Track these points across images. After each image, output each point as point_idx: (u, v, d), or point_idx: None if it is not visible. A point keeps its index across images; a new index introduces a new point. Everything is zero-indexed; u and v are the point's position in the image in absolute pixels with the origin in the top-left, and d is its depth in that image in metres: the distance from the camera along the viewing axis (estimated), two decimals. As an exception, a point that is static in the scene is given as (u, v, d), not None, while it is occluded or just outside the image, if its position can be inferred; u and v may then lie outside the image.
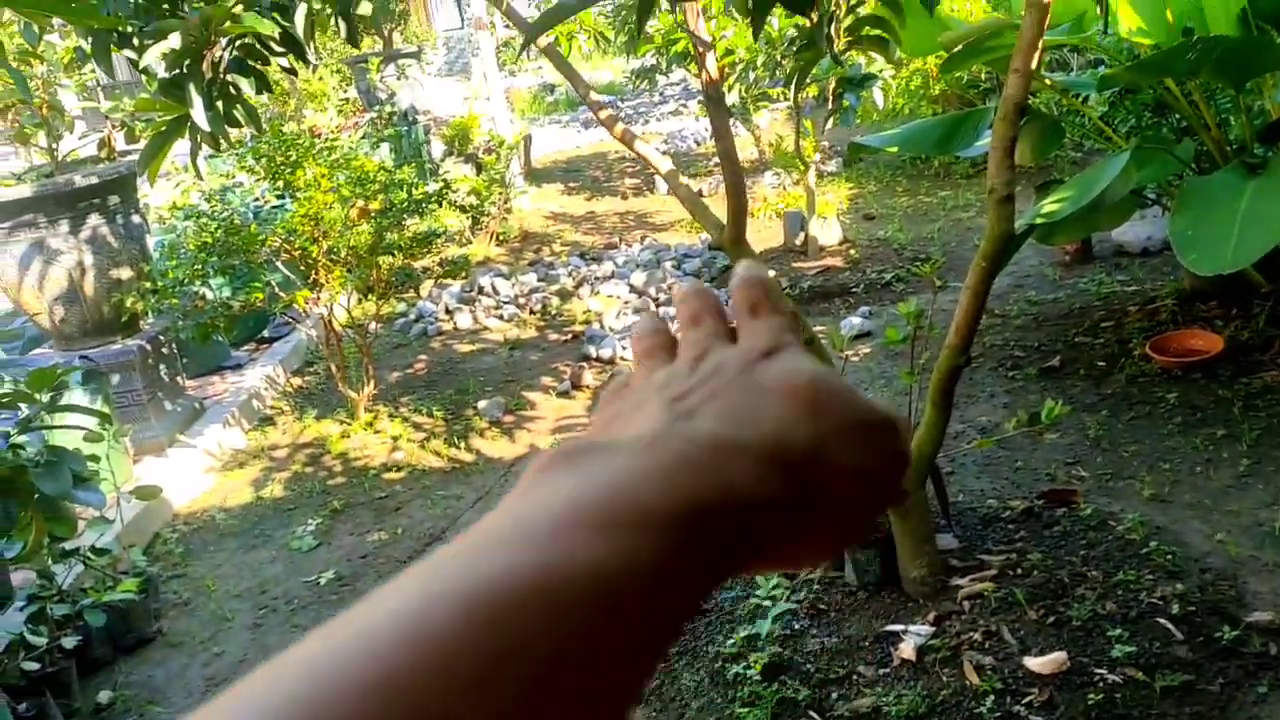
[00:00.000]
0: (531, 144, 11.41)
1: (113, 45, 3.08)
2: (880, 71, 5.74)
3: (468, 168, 9.76)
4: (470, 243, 8.19)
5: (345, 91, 12.45)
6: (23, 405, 2.69)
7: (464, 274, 5.94)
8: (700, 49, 2.71)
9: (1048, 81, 4.57)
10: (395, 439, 4.92)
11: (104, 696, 3.29)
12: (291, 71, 3.32)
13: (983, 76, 7.37)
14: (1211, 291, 4.68)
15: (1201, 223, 3.68)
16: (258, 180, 5.89)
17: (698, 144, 11.41)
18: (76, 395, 4.27)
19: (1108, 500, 3.45)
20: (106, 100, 5.10)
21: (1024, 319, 5.14)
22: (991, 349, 4.84)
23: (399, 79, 10.76)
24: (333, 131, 6.45)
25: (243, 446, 5.12)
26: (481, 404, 5.10)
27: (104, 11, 2.91)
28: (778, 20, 6.15)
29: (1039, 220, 4.12)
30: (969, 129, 4.51)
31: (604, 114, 3.18)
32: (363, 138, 9.00)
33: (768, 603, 3.01)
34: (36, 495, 2.56)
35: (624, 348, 5.56)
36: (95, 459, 3.87)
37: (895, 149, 4.76)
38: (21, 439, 2.56)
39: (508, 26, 19.41)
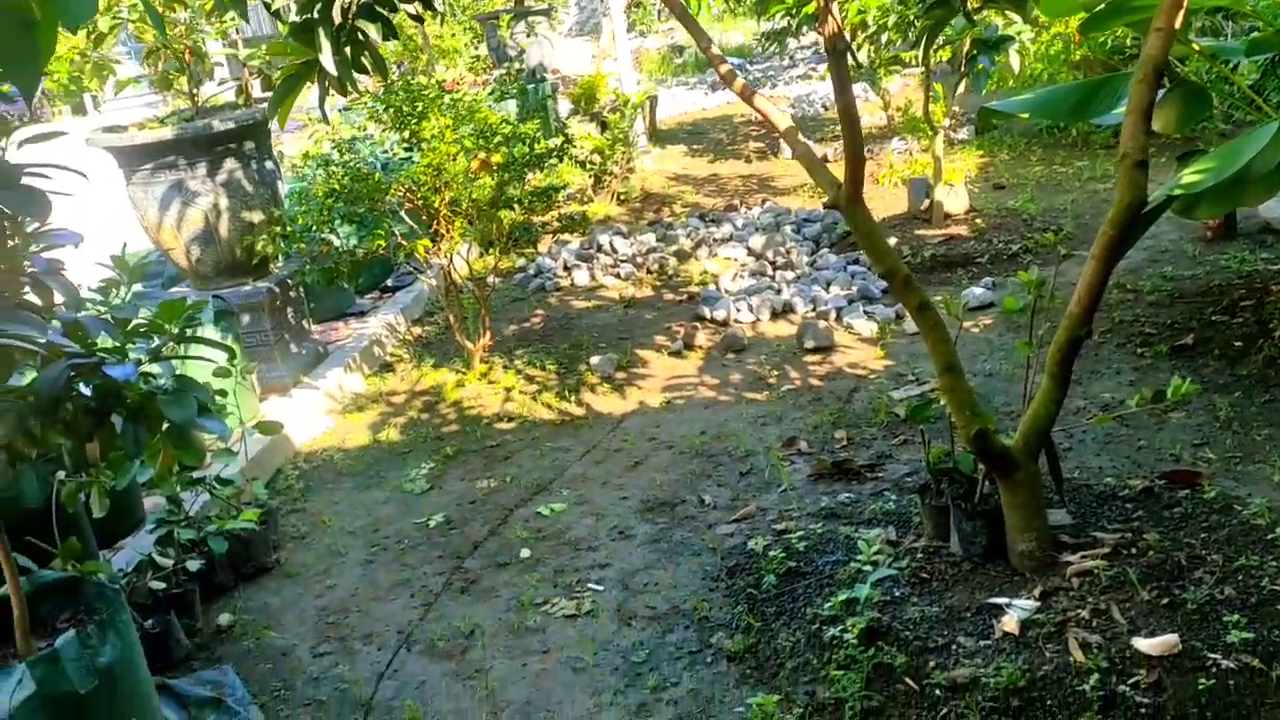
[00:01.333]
0: (657, 105, 11.38)
1: (249, -9, 3.19)
2: (1018, 34, 5.54)
3: (592, 126, 9.78)
4: (591, 201, 8.24)
5: (476, 48, 12.61)
6: (156, 336, 2.81)
7: (583, 230, 5.99)
8: (826, 2, 2.66)
9: (1195, 46, 4.35)
10: (508, 390, 5.00)
11: (224, 619, 3.45)
12: (418, 19, 3.37)
13: (1129, 42, 7.05)
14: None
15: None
16: (385, 131, 6.02)
17: (825, 108, 11.23)
18: (208, 331, 4.45)
19: (1234, 484, 3.31)
20: (245, 48, 5.26)
21: (1157, 295, 4.93)
22: (1120, 325, 4.67)
23: (529, 36, 10.82)
24: (459, 83, 6.52)
25: (362, 391, 5.27)
26: (594, 360, 5.14)
27: (241, -43, 2.99)
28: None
29: (1178, 191, 3.94)
30: (1108, 95, 4.31)
31: (724, 68, 3.14)
32: (491, 92, 9.10)
33: (868, 568, 2.98)
34: (165, 424, 2.68)
35: (738, 310, 5.53)
36: (223, 393, 4.03)
37: (1027, 115, 4.59)
38: (152, 368, 2.67)
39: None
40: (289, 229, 4.83)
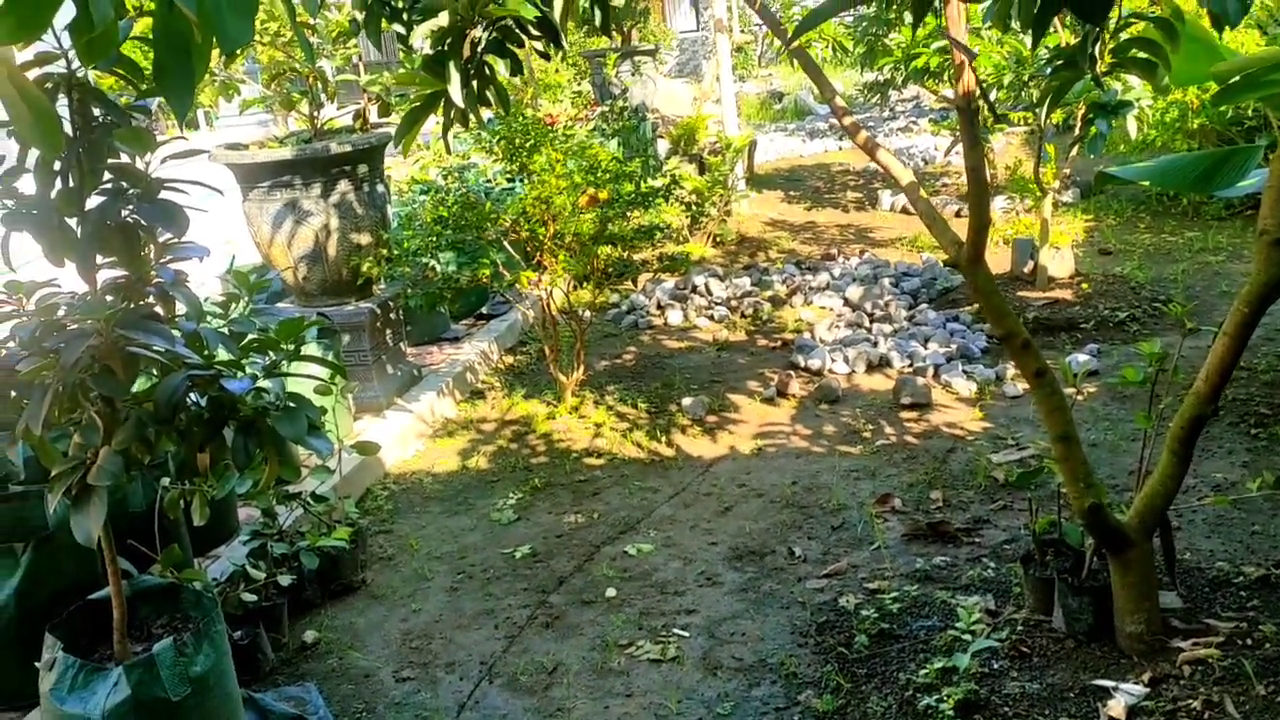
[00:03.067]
0: (755, 149, 11.39)
1: (384, 20, 3.25)
2: (1137, 99, 5.43)
3: (691, 167, 9.83)
4: (687, 241, 8.24)
5: (578, 84, 12.77)
6: (270, 352, 2.86)
7: (682, 270, 5.98)
8: (961, 59, 2.62)
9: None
10: (598, 426, 4.99)
11: (309, 636, 3.47)
12: (545, 56, 3.41)
13: (1249, 113, 6.88)
14: None
15: None
16: (493, 161, 6.10)
17: (925, 162, 11.13)
18: (313, 349, 4.53)
19: (1358, 580, 3.15)
20: (366, 74, 5.38)
21: (1273, 374, 4.76)
22: (1234, 402, 4.51)
23: (633, 75, 10.93)
24: (571, 119, 6.60)
25: (453, 416, 5.31)
26: (685, 401, 5.12)
27: (380, -13, 3.06)
28: (1029, 39, 5.91)
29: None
30: (1234, 168, 4.19)
31: (848, 120, 3.12)
32: (594, 129, 9.20)
33: (966, 636, 2.90)
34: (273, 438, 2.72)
35: (833, 360, 5.47)
36: (323, 411, 4.09)
37: (1148, 183, 4.49)
38: (265, 383, 2.71)
39: (744, 31, 19.50)
40: (395, 252, 4.90)
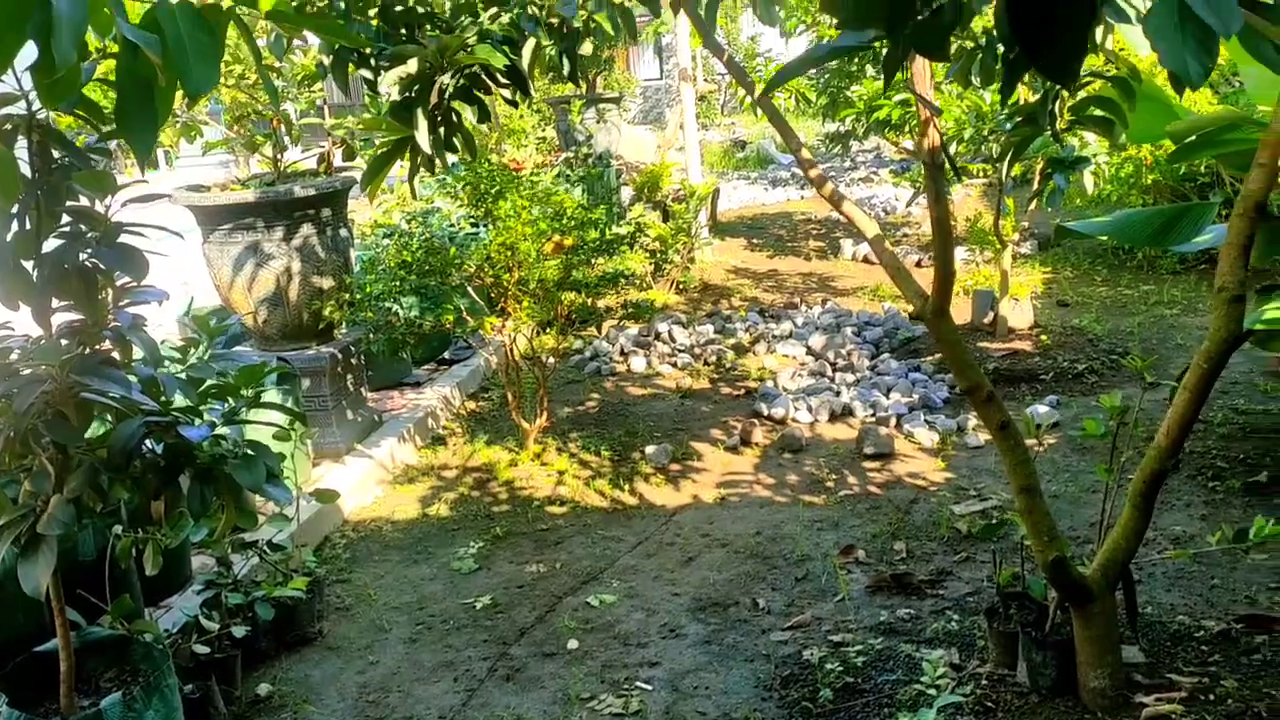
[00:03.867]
0: (719, 197, 11.48)
1: (351, 64, 3.25)
2: (1094, 156, 5.53)
3: (655, 214, 9.87)
4: (650, 288, 8.26)
5: (543, 130, 12.82)
6: (228, 398, 2.81)
7: (646, 318, 5.98)
8: (927, 114, 2.65)
9: (1282, 180, 4.30)
10: (561, 473, 4.96)
11: (263, 689, 3.38)
12: (513, 103, 3.41)
13: (1202, 169, 7.03)
14: None
15: None
16: (457, 205, 6.09)
17: (886, 212, 11.26)
18: (272, 395, 4.47)
19: (1316, 634, 3.17)
20: (331, 117, 5.36)
21: (1229, 428, 4.82)
22: (1191, 455, 4.56)
23: (598, 123, 11.00)
24: (536, 165, 6.60)
25: (414, 462, 5.25)
26: (649, 449, 5.09)
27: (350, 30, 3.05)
28: (989, 95, 6.02)
29: (1259, 326, 3.87)
30: (1189, 223, 4.27)
31: (813, 172, 3.14)
32: (558, 176, 9.23)
33: (932, 691, 2.87)
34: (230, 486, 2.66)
35: (796, 409, 5.48)
36: (281, 457, 4.03)
37: (1105, 237, 4.56)
38: (224, 430, 2.66)
39: (708, 80, 19.70)
40: (357, 296, 4.86)
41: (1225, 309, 2.71)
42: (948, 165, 2.92)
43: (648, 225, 7.11)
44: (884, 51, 1.87)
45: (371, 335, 4.97)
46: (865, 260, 9.11)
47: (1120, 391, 5.49)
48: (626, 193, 11.34)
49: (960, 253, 8.36)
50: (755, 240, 10.43)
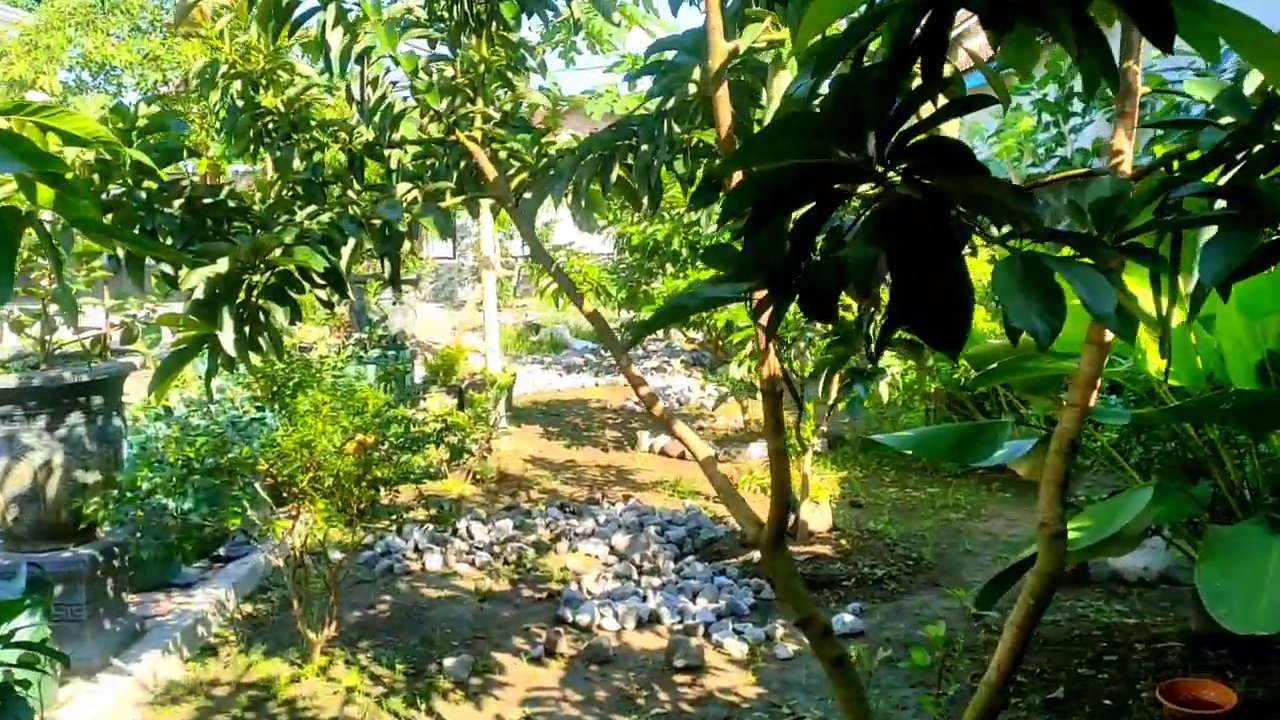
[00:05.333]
0: (515, 382, 11.39)
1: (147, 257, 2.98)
2: (888, 367, 5.76)
3: (450, 400, 9.66)
4: (445, 477, 7.96)
5: (340, 307, 12.51)
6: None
7: (452, 522, 5.70)
8: (765, 342, 2.62)
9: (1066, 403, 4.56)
10: (350, 690, 4.53)
11: None
12: (328, 305, 3.21)
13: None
14: (1222, 638, 4.52)
15: (1231, 576, 3.56)
16: (242, 387, 5.72)
17: (680, 403, 11.43)
18: (21, 618, 3.92)
19: None
20: (109, 297, 4.97)
21: (1062, 645, 4.92)
22: (981, 661, 4.60)
23: (395, 304, 10.81)
24: (335, 359, 6.31)
25: (180, 678, 4.69)
26: (447, 662, 4.74)
27: (148, 226, 2.81)
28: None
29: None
30: (987, 440, 4.44)
31: (644, 390, 3.07)
32: (350, 357, 8.92)
33: None
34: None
35: (602, 615, 5.27)
36: (25, 684, 3.50)
37: (910, 450, 4.68)
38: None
39: (503, 264, 19.91)
40: (127, 494, 4.40)
41: (1048, 545, 2.73)
42: (793, 394, 2.90)
43: (453, 420, 6.89)
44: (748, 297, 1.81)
45: (138, 538, 4.48)
46: (663, 453, 9.14)
47: (917, 598, 5.59)
48: (419, 373, 11.11)
49: (755, 449, 8.51)
50: (552, 428, 10.33)
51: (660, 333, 14.24)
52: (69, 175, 1.74)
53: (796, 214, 1.58)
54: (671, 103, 2.83)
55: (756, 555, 6.17)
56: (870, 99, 1.39)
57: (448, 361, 10.50)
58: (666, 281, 8.49)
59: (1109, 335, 2.73)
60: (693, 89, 2.86)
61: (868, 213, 1.48)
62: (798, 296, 1.53)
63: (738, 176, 1.89)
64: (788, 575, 2.81)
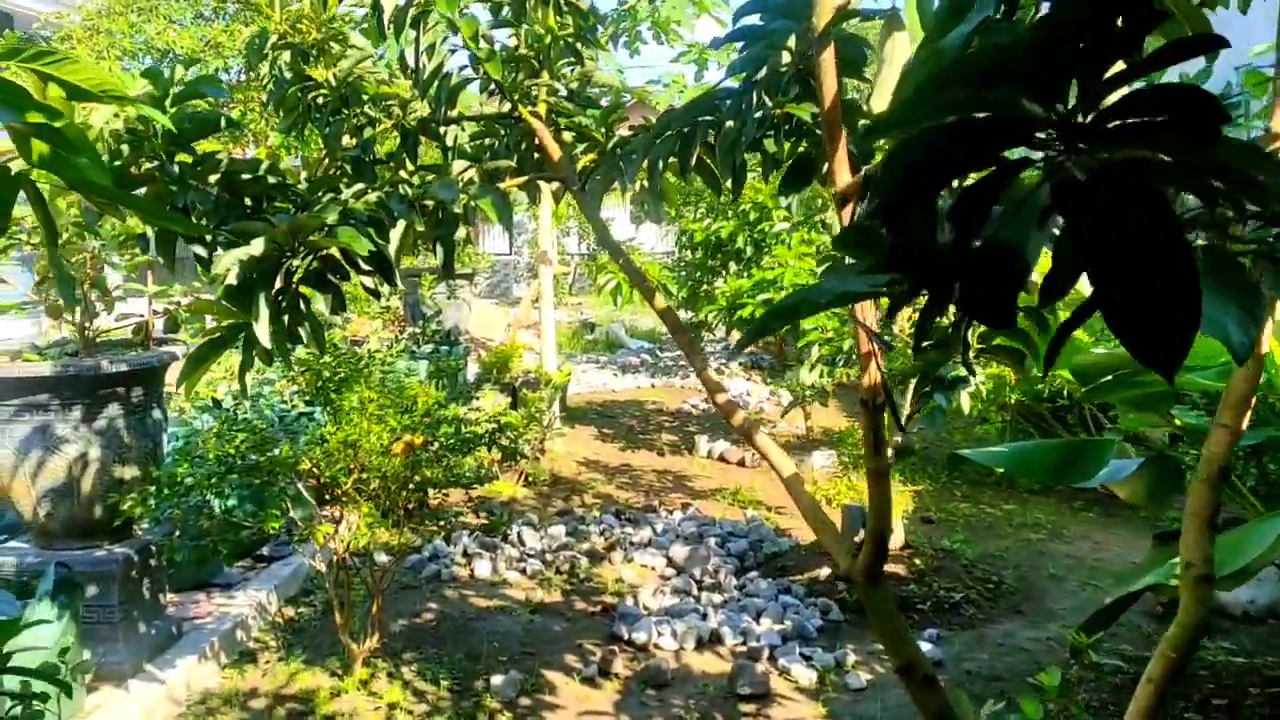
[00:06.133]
0: (569, 382, 11.11)
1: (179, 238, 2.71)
2: (971, 375, 5.37)
3: (503, 397, 9.39)
4: (496, 479, 7.69)
5: (388, 299, 12.32)
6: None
7: (502, 532, 5.41)
8: (870, 347, 2.29)
9: (1178, 421, 4.16)
10: (392, 708, 4.25)
11: None
12: (374, 293, 2.93)
13: (1065, 392, 7.03)
14: (1347, 683, 4.10)
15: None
16: (288, 380, 5.47)
17: (742, 408, 11.07)
18: (43, 609, 3.69)
19: None
20: (153, 282, 4.74)
21: (1120, 678, 4.52)
22: (1090, 709, 4.22)
23: (449, 298, 10.57)
24: (385, 354, 6.04)
25: (216, 687, 4.45)
26: (495, 680, 4.45)
27: (180, 202, 2.54)
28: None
29: (1174, 582, 3.62)
30: (1089, 460, 4.05)
31: (721, 398, 2.76)
32: (403, 351, 8.69)
33: None
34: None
35: (659, 634, 4.95)
36: (44, 697, 3.27)
37: (1004, 468, 4.30)
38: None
39: (561, 261, 19.68)
40: (165, 492, 4.15)
41: (1193, 591, 2.37)
42: (892, 409, 2.58)
43: (508, 421, 6.61)
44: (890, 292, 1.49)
45: (176, 537, 4.24)
46: (722, 459, 8.80)
47: (1000, 626, 5.20)
48: (472, 369, 10.87)
49: (818, 458, 8.14)
50: (606, 430, 10.02)
51: (719, 331, 13.86)
52: (66, 127, 1.46)
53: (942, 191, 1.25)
54: (763, 72, 2.49)
55: (824, 573, 5.81)
56: (1074, 35, 1.06)
57: (502, 358, 10.24)
58: (730, 281, 8.14)
59: (1266, 344, 2.36)
60: (786, 58, 2.53)
61: (1052, 184, 1.14)
62: (959, 291, 1.20)
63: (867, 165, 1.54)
64: (887, 614, 2.47)
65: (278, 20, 3.51)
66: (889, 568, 5.87)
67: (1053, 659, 4.73)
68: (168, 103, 2.58)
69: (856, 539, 6.12)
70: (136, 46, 12.22)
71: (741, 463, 8.65)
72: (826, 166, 2.52)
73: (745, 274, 8.13)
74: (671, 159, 2.86)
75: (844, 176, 2.21)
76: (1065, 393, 6.94)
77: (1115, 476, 4.04)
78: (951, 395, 5.29)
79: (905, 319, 5.66)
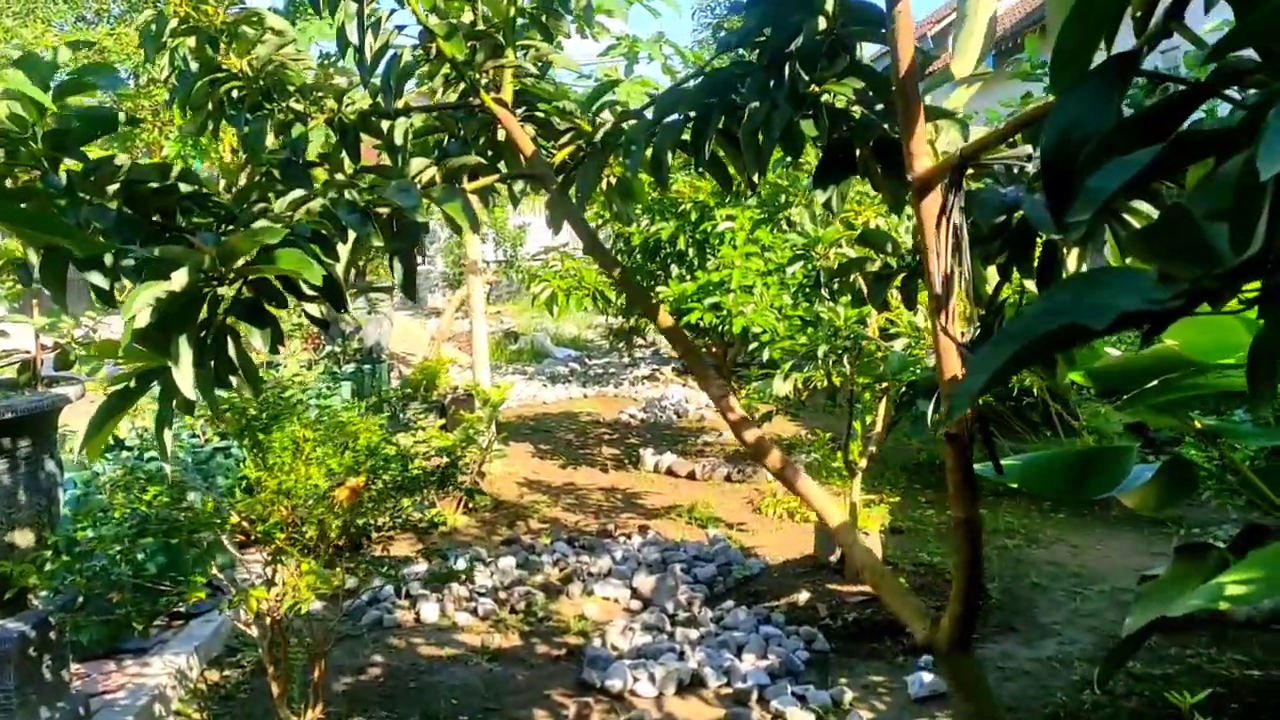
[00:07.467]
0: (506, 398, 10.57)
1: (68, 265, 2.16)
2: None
3: (432, 417, 8.84)
4: (432, 506, 7.14)
5: (297, 316, 11.64)
6: None
7: (460, 576, 4.88)
8: (956, 370, 1.86)
9: (1196, 424, 3.83)
10: (342, 791, 3.72)
11: None
12: (321, 325, 2.41)
13: (1032, 389, 6.73)
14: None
15: None
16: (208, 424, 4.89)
17: (679, 415, 10.66)
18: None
19: None
20: (39, 313, 4.12)
21: (1137, 701, 4.19)
22: (1116, 745, 3.87)
23: (369, 314, 9.95)
24: (312, 381, 5.50)
25: (134, 777, 3.86)
26: (459, 748, 3.94)
27: (71, 218, 2.00)
28: (842, 309, 5.46)
29: (1223, 605, 3.26)
30: (1108, 470, 3.68)
31: (749, 434, 2.31)
32: (323, 373, 8.09)
33: None
34: None
35: (635, 679, 4.47)
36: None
37: (1019, 484, 3.92)
38: None
39: (494, 269, 19.05)
40: (63, 558, 3.55)
41: None
42: (988, 443, 2.17)
43: (441, 443, 6.08)
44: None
45: (77, 615, 3.64)
46: (670, 473, 8.36)
47: (997, 647, 4.84)
48: (395, 385, 10.27)
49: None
50: (544, 446, 9.51)
51: (649, 336, 13.40)
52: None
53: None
54: (799, 40, 2.04)
55: (803, 597, 5.40)
56: None
57: (428, 375, 9.65)
58: (674, 285, 7.69)
59: None
60: (822, 23, 2.08)
61: None
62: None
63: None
64: (980, 691, 2.04)
65: (177, 1, 2.98)
66: (870, 589, 5.49)
67: (1059, 683, 4.39)
68: (49, 98, 2.05)
69: (832, 556, 5.75)
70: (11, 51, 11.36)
71: (691, 475, 8.22)
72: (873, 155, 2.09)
73: (689, 277, 7.68)
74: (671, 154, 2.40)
75: (924, 160, 1.78)
76: (1033, 390, 6.64)
77: (1134, 484, 3.69)
78: (929, 401, 4.87)
79: (878, 319, 5.28)
